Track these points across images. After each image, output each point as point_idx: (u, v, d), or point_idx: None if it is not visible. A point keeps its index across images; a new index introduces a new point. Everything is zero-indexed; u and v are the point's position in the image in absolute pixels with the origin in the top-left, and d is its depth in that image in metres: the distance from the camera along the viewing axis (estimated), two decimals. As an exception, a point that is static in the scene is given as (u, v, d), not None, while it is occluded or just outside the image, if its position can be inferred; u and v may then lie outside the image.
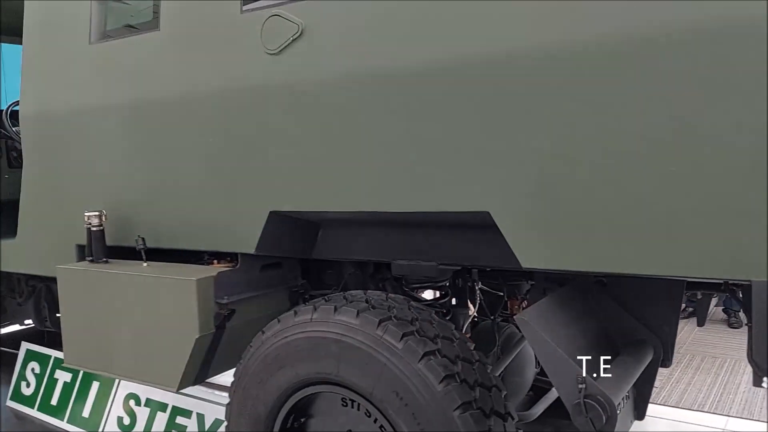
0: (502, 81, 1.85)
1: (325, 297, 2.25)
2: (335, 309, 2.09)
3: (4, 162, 4.20)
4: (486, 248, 2.30)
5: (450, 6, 1.94)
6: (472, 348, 2.06)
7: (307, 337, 2.12)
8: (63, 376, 4.07)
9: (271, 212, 2.46)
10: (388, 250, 2.57)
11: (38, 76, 3.23)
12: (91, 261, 2.97)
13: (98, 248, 2.94)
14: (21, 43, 3.32)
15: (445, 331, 2.06)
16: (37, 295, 3.90)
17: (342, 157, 2.22)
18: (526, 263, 1.87)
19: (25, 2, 3.28)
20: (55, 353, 4.19)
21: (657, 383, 4.17)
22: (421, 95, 2.01)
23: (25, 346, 4.35)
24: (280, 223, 2.51)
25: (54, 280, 3.58)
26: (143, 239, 2.81)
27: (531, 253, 1.86)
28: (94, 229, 2.93)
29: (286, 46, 2.34)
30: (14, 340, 4.62)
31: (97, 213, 2.92)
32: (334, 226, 2.66)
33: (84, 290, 2.85)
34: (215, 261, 2.86)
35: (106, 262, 2.94)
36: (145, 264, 2.80)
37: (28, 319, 4.33)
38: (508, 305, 3.14)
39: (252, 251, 2.54)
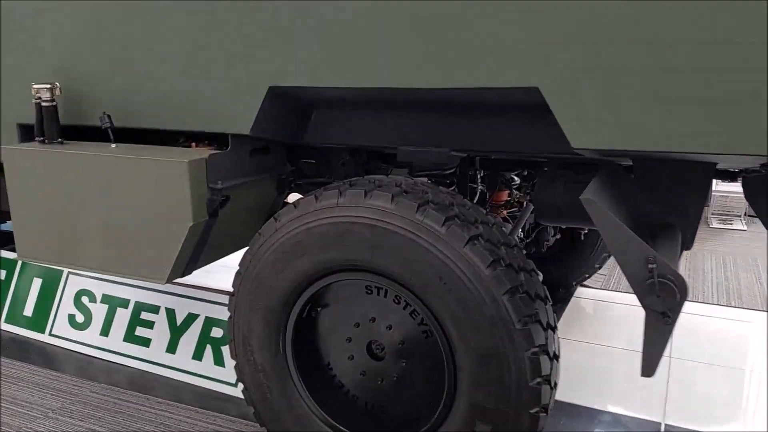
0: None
1: (348, 181, 2.07)
2: (365, 193, 1.92)
3: None
4: (511, 132, 2.19)
5: None
6: (508, 233, 1.99)
7: (333, 222, 1.95)
8: (-6, 274, 3.68)
9: (270, 88, 2.20)
10: (392, 136, 2.40)
11: None
12: (42, 142, 2.58)
13: (51, 127, 2.55)
14: None
15: (482, 216, 1.97)
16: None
17: (361, 20, 1.96)
18: (577, 143, 1.78)
19: None
20: (-19, 248, 3.76)
21: (604, 271, 4.40)
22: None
23: (-58, 241, 3.87)
24: (276, 101, 2.26)
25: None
26: (109, 117, 2.45)
27: (583, 132, 1.77)
28: (46, 104, 2.52)
29: None
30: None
31: (48, 86, 2.50)
32: (332, 107, 2.44)
33: (40, 175, 2.49)
34: (194, 144, 2.57)
35: (61, 142, 2.57)
36: (113, 145, 2.47)
37: (-56, 211, 3.83)
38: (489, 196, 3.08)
39: (247, 132, 2.29)
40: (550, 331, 1.87)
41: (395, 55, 1.94)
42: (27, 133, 2.77)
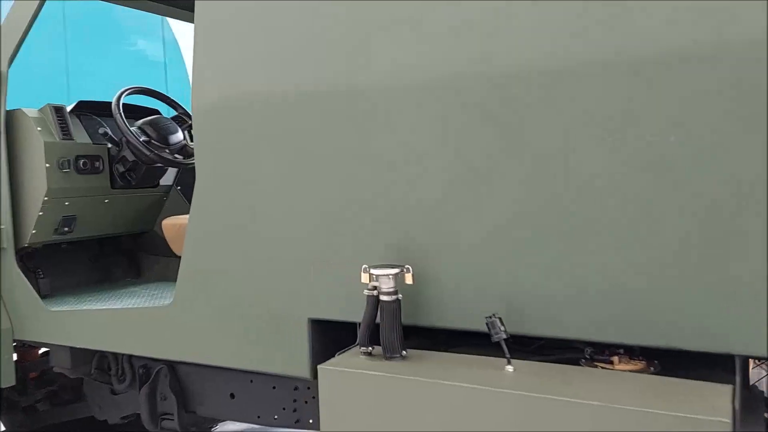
0: None
1: None
2: None
3: (104, 178, 2.77)
4: None
5: None
6: None
7: None
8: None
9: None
10: None
11: (240, 42, 1.95)
12: (369, 353, 1.69)
13: (392, 333, 1.65)
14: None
15: None
16: (152, 383, 2.53)
17: None
18: None
19: None
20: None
21: None
22: None
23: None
24: None
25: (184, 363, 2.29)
26: (500, 319, 1.55)
27: None
28: (387, 298, 1.65)
29: None
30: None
31: (393, 271, 1.65)
32: None
33: (384, 408, 1.56)
34: (616, 358, 1.62)
35: (403, 357, 1.67)
36: (509, 367, 1.54)
37: (127, 413, 2.93)
38: None
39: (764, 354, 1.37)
40: None
41: None
42: (321, 332, 1.91)
